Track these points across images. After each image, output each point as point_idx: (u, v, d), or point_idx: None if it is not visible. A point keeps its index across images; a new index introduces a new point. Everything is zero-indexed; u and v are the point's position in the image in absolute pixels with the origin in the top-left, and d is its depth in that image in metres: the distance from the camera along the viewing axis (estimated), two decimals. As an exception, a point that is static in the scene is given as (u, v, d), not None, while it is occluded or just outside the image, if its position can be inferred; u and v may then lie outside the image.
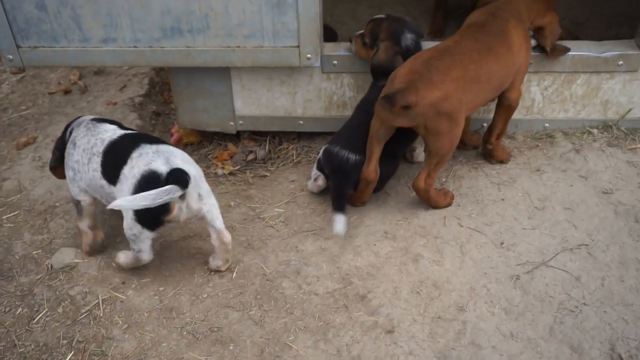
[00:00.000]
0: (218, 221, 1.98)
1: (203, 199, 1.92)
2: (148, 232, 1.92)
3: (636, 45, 2.36)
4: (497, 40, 2.11)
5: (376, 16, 2.30)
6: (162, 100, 3.08)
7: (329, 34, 2.92)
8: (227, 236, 2.01)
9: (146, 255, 2.00)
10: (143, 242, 1.95)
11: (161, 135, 2.85)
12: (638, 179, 2.31)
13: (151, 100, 3.04)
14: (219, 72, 2.41)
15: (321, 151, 2.30)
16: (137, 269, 2.10)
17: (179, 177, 1.80)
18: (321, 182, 2.30)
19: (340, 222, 2.11)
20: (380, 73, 2.22)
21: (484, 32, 2.13)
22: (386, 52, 2.20)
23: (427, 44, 2.28)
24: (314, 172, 2.33)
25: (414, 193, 2.26)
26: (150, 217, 1.87)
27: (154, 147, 1.90)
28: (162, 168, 1.83)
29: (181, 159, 1.89)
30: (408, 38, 2.24)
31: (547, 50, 2.32)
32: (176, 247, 2.19)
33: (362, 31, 2.31)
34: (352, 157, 2.19)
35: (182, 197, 1.84)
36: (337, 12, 3.50)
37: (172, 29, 2.20)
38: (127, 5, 2.17)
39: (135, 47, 2.27)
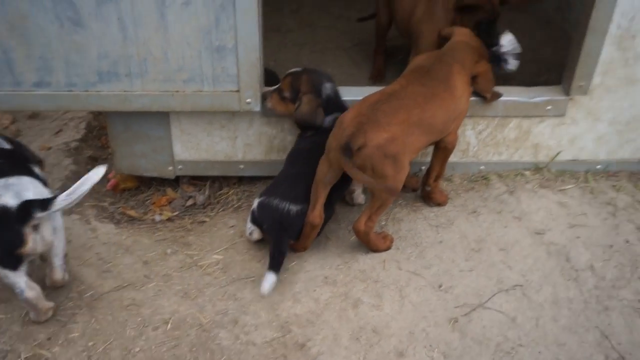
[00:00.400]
0: (57, 258, 1.99)
1: (57, 233, 1.94)
2: (10, 272, 1.84)
3: (563, 91, 2.48)
4: (442, 86, 2.18)
5: (292, 70, 2.34)
6: (99, 145, 3.01)
7: (272, 79, 2.94)
8: (58, 275, 2.01)
9: (28, 293, 1.89)
10: (16, 280, 1.87)
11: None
12: (568, 219, 2.40)
13: (87, 145, 2.97)
14: (158, 116, 2.38)
15: (255, 204, 2.23)
16: (64, 322, 2.00)
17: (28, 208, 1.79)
18: (257, 235, 2.25)
19: (269, 282, 2.04)
20: (306, 126, 2.27)
21: (430, 77, 2.20)
22: (309, 104, 2.24)
23: (370, 89, 2.32)
24: (249, 225, 2.26)
25: (354, 237, 2.27)
26: (5, 254, 1.82)
27: (3, 180, 1.87)
28: (11, 202, 1.80)
29: (33, 192, 1.88)
30: (328, 87, 2.30)
31: (486, 97, 2.41)
32: (107, 298, 2.10)
33: (276, 87, 2.33)
34: (294, 208, 2.16)
35: (37, 228, 1.83)
36: (281, 56, 3.55)
37: (109, 73, 2.17)
38: (63, 49, 2.13)
39: (70, 91, 2.22)
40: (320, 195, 2.16)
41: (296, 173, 2.25)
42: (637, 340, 1.95)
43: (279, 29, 3.81)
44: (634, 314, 2.03)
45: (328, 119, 2.28)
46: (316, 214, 2.17)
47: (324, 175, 2.13)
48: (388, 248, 2.28)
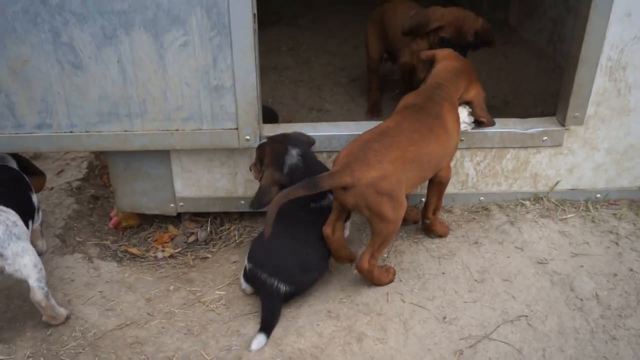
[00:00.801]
0: (31, 280, 2.01)
1: (7, 259, 1.97)
2: None
3: (558, 122, 2.51)
4: (437, 122, 2.19)
5: (260, 142, 2.28)
6: (101, 184, 3.03)
7: (270, 115, 2.98)
8: (37, 295, 2.01)
9: None
10: None
11: (100, 219, 2.79)
12: (571, 249, 2.40)
13: (89, 184, 2.99)
14: (158, 154, 2.41)
15: (246, 264, 2.19)
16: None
17: None
18: (250, 291, 2.24)
19: (259, 342, 2.01)
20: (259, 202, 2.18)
21: (424, 113, 2.21)
22: (265, 180, 2.17)
23: (367, 124, 2.34)
24: (242, 281, 2.24)
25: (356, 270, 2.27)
26: None
27: None
28: None
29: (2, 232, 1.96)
30: (293, 155, 2.18)
31: (482, 122, 2.41)
32: (110, 336, 2.09)
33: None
34: (284, 288, 2.09)
35: None
36: (279, 93, 3.61)
37: (109, 114, 2.21)
38: (63, 92, 2.17)
39: (71, 132, 2.25)
40: (334, 211, 2.16)
41: (286, 243, 2.13)
42: (645, 369, 1.93)
43: (276, 67, 3.88)
44: (641, 342, 2.01)
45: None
46: (328, 224, 2.16)
47: (334, 203, 2.15)
48: (391, 281, 2.27)
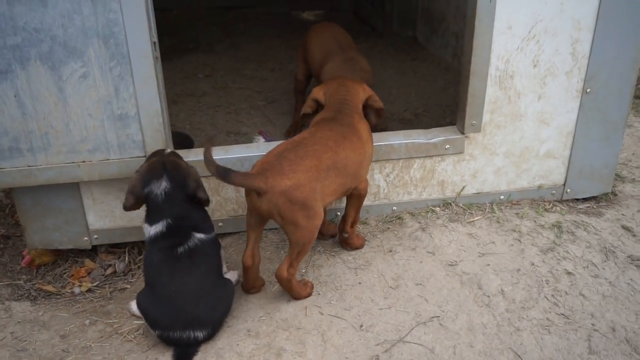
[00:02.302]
0: None
1: None
2: None
3: (458, 130, 2.66)
4: (349, 130, 2.28)
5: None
6: (12, 223, 2.94)
7: (184, 141, 3.00)
8: None
9: None
10: None
11: (12, 259, 2.71)
12: (478, 249, 2.52)
13: (0, 224, 2.90)
14: (67, 187, 2.38)
15: (152, 331, 2.12)
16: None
17: None
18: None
19: None
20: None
21: (337, 123, 2.30)
22: (129, 185, 2.13)
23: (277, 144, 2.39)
24: (134, 309, 2.21)
25: (276, 287, 2.30)
26: None
27: None
28: None
29: None
30: (154, 188, 2.10)
31: (381, 113, 2.51)
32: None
33: None
34: (201, 334, 2.06)
35: None
36: (196, 119, 3.63)
37: (10, 149, 2.17)
38: (-40, 130, 2.12)
39: (-28, 170, 2.20)
40: (250, 237, 2.21)
41: (179, 293, 2.04)
42: (547, 356, 2.04)
43: (193, 94, 3.91)
44: (543, 331, 2.13)
45: (158, 227, 2.11)
46: (247, 254, 2.21)
47: (249, 219, 2.19)
48: (309, 295, 2.32)
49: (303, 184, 2.09)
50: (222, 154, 2.49)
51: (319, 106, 2.50)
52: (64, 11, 1.99)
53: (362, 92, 2.48)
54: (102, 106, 2.16)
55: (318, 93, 2.50)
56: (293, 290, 2.27)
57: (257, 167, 2.11)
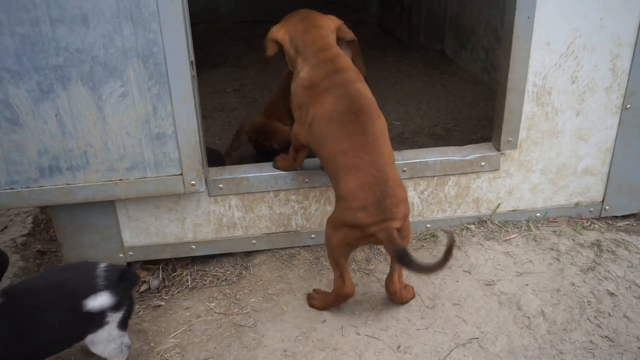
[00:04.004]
0: None
1: None
2: None
3: (493, 147, 2.62)
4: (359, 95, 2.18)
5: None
6: (47, 238, 2.97)
7: (216, 158, 3.01)
8: None
9: None
10: None
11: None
12: (515, 268, 2.48)
13: (35, 239, 2.92)
14: (104, 205, 2.39)
15: None
16: None
17: None
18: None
19: None
20: None
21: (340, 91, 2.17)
22: None
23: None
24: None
25: (310, 307, 2.29)
26: None
27: None
28: None
29: None
30: None
31: (353, 47, 2.41)
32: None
33: None
34: None
35: None
36: (226, 135, 3.64)
37: (50, 167, 2.19)
38: (1, 149, 2.14)
39: (12, 189, 2.22)
40: (345, 268, 2.16)
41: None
42: (592, 380, 1.99)
43: (223, 109, 3.93)
44: (587, 354, 2.08)
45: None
46: (350, 284, 2.19)
47: (346, 252, 2.13)
48: (414, 296, 2.33)
49: (405, 194, 2.07)
50: (256, 171, 2.48)
51: (281, 49, 2.29)
52: (105, 32, 2.01)
53: (332, 22, 2.29)
54: (140, 125, 2.17)
55: (278, 33, 2.27)
56: (403, 297, 2.29)
57: (367, 203, 1.96)
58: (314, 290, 2.39)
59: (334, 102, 2.09)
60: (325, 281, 2.46)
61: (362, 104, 2.09)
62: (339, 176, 2.05)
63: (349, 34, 2.33)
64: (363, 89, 2.15)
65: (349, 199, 2.00)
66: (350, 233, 2.03)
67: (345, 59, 2.21)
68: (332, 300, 2.27)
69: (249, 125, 3.16)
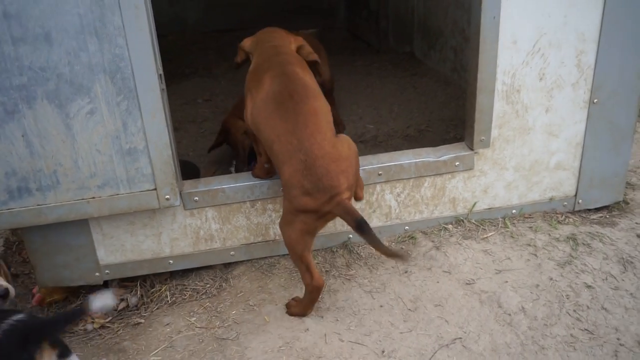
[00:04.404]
0: None
1: None
2: None
3: (467, 147, 2.64)
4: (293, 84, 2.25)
5: None
6: (20, 260, 2.90)
7: (191, 170, 2.98)
8: None
9: None
10: None
11: (22, 298, 2.66)
12: (494, 266, 2.50)
13: (8, 262, 2.85)
14: (76, 224, 2.34)
15: None
16: None
17: None
18: None
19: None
20: None
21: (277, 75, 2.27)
22: None
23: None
24: None
25: (290, 316, 2.28)
26: None
27: None
28: None
29: None
30: None
31: (318, 69, 2.49)
32: None
33: None
34: None
35: None
36: (199, 146, 3.61)
37: (19, 189, 2.14)
38: (-33, 172, 2.09)
39: (-20, 212, 2.16)
40: (311, 260, 2.16)
41: None
42: (575, 373, 2.01)
43: (194, 120, 3.89)
44: (568, 348, 2.10)
45: None
46: (318, 275, 2.19)
47: (309, 241, 2.13)
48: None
49: (344, 161, 2.09)
50: (232, 182, 2.46)
51: (247, 56, 2.44)
52: (70, 49, 1.98)
53: (294, 41, 2.41)
54: (110, 141, 2.13)
55: (246, 42, 2.46)
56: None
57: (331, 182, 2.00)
58: (293, 298, 2.38)
59: (270, 81, 2.15)
60: (306, 289, 2.45)
61: (298, 84, 2.13)
62: (278, 165, 2.09)
63: (313, 55, 2.39)
64: (302, 72, 2.20)
65: (291, 187, 2.03)
66: (306, 218, 2.04)
67: (289, 48, 2.30)
68: (308, 300, 2.26)
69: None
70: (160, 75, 2.14)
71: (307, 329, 2.25)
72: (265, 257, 2.64)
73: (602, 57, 2.50)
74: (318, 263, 2.59)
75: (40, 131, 2.06)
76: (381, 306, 2.34)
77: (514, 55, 2.44)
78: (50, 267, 2.44)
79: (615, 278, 2.39)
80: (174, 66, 4.83)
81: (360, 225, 1.98)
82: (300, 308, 2.30)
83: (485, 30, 2.36)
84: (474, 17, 2.39)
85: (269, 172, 2.44)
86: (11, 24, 1.92)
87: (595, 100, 2.58)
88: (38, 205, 2.18)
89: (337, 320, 2.30)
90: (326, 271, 2.53)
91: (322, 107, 2.13)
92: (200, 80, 4.66)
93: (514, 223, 2.74)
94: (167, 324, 2.39)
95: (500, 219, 2.76)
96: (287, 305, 2.36)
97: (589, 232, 2.66)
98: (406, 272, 2.50)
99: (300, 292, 2.44)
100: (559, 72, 2.51)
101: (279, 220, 2.19)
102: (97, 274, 2.49)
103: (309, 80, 2.21)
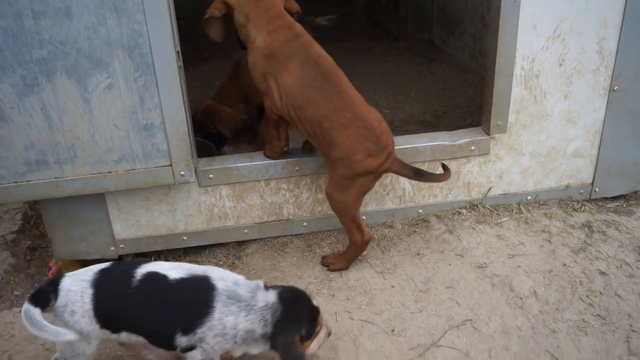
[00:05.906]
0: None
1: None
2: None
3: (483, 131, 2.63)
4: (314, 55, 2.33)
5: None
6: (38, 234, 2.95)
7: (206, 148, 3.00)
8: None
9: None
10: None
11: (39, 270, 2.71)
12: (507, 251, 2.49)
13: (25, 236, 2.90)
14: (93, 198, 2.38)
15: None
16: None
17: None
18: None
19: None
20: None
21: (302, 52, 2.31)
22: None
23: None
24: None
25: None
26: None
27: None
28: None
29: None
30: None
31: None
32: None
33: None
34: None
35: None
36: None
37: (37, 162, 2.17)
38: (-13, 144, 2.13)
39: (-1, 184, 2.20)
40: (361, 219, 2.36)
41: None
42: (586, 358, 2.00)
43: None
44: (580, 332, 2.09)
45: None
46: (368, 231, 2.37)
47: (361, 200, 2.35)
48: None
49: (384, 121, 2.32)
50: (247, 161, 2.48)
51: (228, 10, 2.32)
52: (89, 24, 1.99)
53: None
54: (127, 116, 2.16)
55: None
56: None
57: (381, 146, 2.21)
58: (328, 256, 2.49)
59: (300, 68, 2.20)
60: (318, 268, 2.47)
61: (326, 65, 2.22)
62: (331, 139, 2.20)
63: (296, 6, 2.43)
64: (320, 50, 2.28)
65: (352, 153, 2.18)
66: (365, 181, 2.25)
67: (298, 25, 2.31)
68: (354, 254, 2.42)
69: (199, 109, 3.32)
70: (178, 52, 2.15)
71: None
72: (278, 236, 2.65)
73: (624, 44, 2.46)
74: (330, 243, 2.61)
75: (59, 105, 2.09)
76: (392, 286, 2.35)
77: (534, 40, 2.41)
78: (66, 240, 2.48)
79: (630, 266, 2.37)
80: (192, 48, 4.84)
81: (418, 172, 2.27)
82: (345, 262, 2.43)
83: (505, 14, 2.34)
84: (494, 1, 2.37)
85: (281, 153, 2.49)
86: (32, -2, 1.94)
87: (615, 88, 2.54)
88: (55, 178, 2.21)
89: (348, 299, 2.31)
90: (339, 252, 2.54)
91: (346, 78, 2.27)
92: (218, 63, 4.67)
93: (528, 209, 2.72)
94: (180, 299, 2.42)
95: (515, 205, 2.74)
96: (327, 263, 2.46)
97: (605, 220, 2.63)
98: (418, 254, 2.51)
99: (312, 270, 2.45)
100: (579, 58, 2.48)
101: (325, 189, 2.34)
102: (112, 248, 2.53)
103: (326, 54, 2.28)
